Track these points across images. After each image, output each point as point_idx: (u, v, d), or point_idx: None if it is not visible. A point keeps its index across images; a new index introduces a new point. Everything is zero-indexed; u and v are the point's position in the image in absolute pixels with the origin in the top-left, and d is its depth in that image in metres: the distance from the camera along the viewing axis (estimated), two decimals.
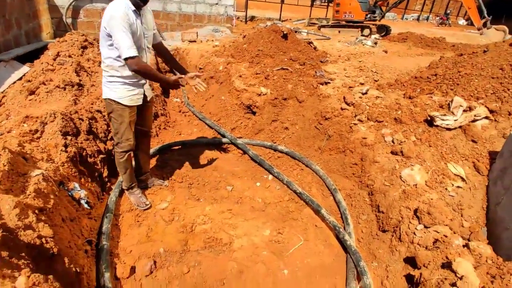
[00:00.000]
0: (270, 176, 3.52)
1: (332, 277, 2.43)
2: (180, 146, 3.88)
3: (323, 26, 11.80)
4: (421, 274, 2.11)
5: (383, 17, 11.65)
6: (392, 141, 3.04)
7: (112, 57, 2.26)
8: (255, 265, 2.46)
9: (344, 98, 3.59)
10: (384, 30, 10.93)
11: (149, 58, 2.48)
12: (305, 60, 4.71)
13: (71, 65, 3.64)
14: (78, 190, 2.28)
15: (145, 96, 2.58)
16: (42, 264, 1.62)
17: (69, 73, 3.51)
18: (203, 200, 3.10)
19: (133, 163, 2.91)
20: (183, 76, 2.55)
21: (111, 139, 3.07)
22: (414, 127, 3.06)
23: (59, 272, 1.70)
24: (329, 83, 4.17)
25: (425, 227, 2.41)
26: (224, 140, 3.99)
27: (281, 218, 2.99)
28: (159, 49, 2.68)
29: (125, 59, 2.11)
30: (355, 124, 3.37)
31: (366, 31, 10.71)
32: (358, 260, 2.38)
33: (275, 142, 3.92)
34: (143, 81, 2.54)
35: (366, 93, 3.69)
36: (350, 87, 3.92)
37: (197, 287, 2.23)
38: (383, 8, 11.59)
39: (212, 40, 7.78)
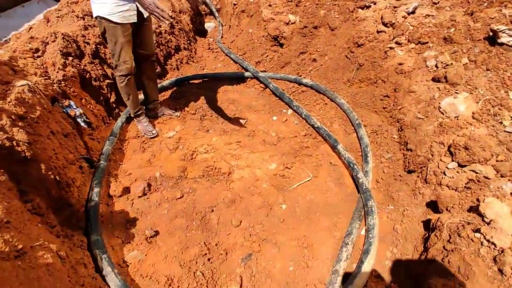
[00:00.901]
0: (290, 111, 3.18)
1: (334, 216, 2.14)
2: (200, 80, 3.70)
3: None
4: (438, 218, 1.70)
5: None
6: (436, 65, 2.43)
7: None
8: (251, 197, 2.27)
9: (381, 18, 2.96)
10: None
11: None
12: None
13: None
14: (74, 108, 2.27)
15: (140, 14, 2.37)
16: (13, 166, 1.63)
17: (90, 4, 3.45)
18: (213, 131, 2.94)
19: (139, 92, 2.82)
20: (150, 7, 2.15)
21: None
22: (468, 46, 2.39)
23: (33, 176, 1.72)
24: (370, 6, 3.48)
25: (460, 165, 1.92)
26: (246, 74, 3.69)
27: (293, 153, 2.70)
28: None
29: None
30: (391, 48, 2.78)
31: None
32: (367, 199, 2.04)
33: (300, 75, 3.50)
34: None
35: (413, 12, 2.98)
36: (395, 7, 3.21)
37: (185, 212, 2.14)
38: None
39: None
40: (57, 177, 1.88)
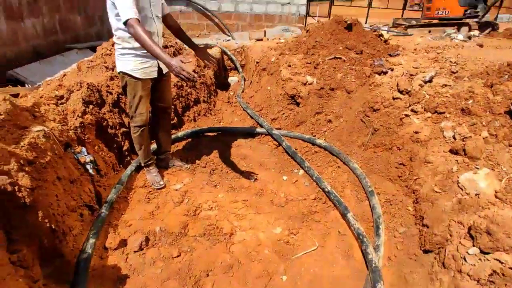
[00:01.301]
0: (301, 171, 3.11)
1: None
2: (214, 133, 3.76)
3: (411, 26, 10.54)
4: None
5: (487, 12, 9.79)
6: (453, 137, 2.34)
7: (121, 27, 2.21)
8: (250, 263, 2.12)
9: (397, 85, 2.97)
10: (488, 27, 9.16)
11: (159, 28, 2.38)
12: (364, 49, 4.14)
13: None
14: (85, 155, 2.31)
15: (160, 69, 2.51)
16: (10, 212, 1.62)
17: None
18: (220, 187, 2.89)
19: (151, 141, 2.88)
20: (189, 59, 2.32)
21: None
22: (488, 119, 2.30)
23: (29, 223, 1.69)
24: (387, 72, 3.54)
25: (482, 252, 1.72)
26: (260, 130, 3.72)
27: (301, 217, 2.57)
28: (168, 21, 2.58)
29: (125, 21, 1.96)
30: (406, 115, 2.73)
31: (464, 29, 9.14)
32: (376, 280, 1.84)
33: (314, 136, 3.48)
34: None
35: (430, 81, 2.98)
36: (411, 75, 3.23)
37: (179, 274, 2.01)
38: (488, 2, 9.73)
39: (279, 39, 7.62)
40: (53, 226, 1.84)
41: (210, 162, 3.20)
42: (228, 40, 7.96)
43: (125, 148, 2.93)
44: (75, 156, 2.28)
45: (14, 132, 1.89)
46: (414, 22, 11.71)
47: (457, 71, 3.68)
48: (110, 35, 5.96)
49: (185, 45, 3.09)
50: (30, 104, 2.17)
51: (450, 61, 4.00)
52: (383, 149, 2.84)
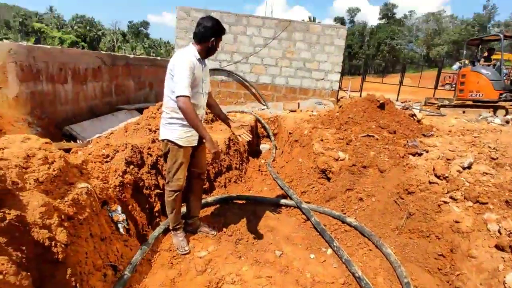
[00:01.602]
0: (330, 250, 2.96)
1: None
2: (243, 201, 3.77)
3: (444, 106, 10.62)
4: None
5: None
6: (499, 231, 2.17)
7: (174, 99, 2.46)
8: None
9: (433, 169, 2.91)
10: None
11: (204, 102, 2.63)
12: (397, 128, 4.18)
13: None
14: (119, 214, 2.39)
15: (200, 138, 2.68)
16: (44, 265, 1.66)
17: None
18: (245, 259, 2.79)
19: (182, 205, 2.93)
20: (219, 152, 2.46)
21: None
22: None
23: (56, 280, 1.71)
24: (422, 154, 3.50)
25: None
26: (289, 202, 3.69)
27: None
28: (208, 99, 2.81)
29: (178, 96, 2.23)
30: (445, 202, 2.61)
31: (501, 112, 9.04)
32: None
33: (345, 213, 3.37)
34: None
35: (469, 167, 2.90)
36: (448, 159, 3.17)
37: None
38: None
39: (312, 111, 7.94)
40: (78, 285, 1.85)
41: (237, 231, 3.15)
42: (263, 109, 8.41)
43: (156, 209, 3.00)
44: (110, 214, 2.36)
45: (62, 187, 2.03)
46: (447, 102, 11.81)
47: (497, 158, 3.56)
48: (157, 98, 6.52)
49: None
50: (79, 162, 2.36)
51: (489, 147, 3.91)
52: (419, 236, 2.67)
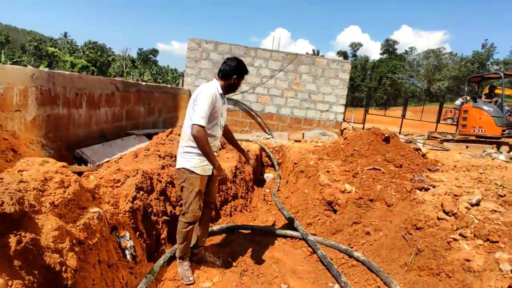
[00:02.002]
0: (337, 286, 2.89)
1: None
2: (249, 231, 3.74)
3: (447, 140, 10.71)
4: None
5: None
6: (511, 271, 2.14)
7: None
8: None
9: (441, 205, 2.90)
10: None
11: (221, 134, 2.73)
12: (403, 162, 4.22)
13: (178, 141, 4.28)
14: (127, 240, 2.39)
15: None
16: None
17: (173, 147, 4.13)
18: None
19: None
20: (226, 177, 2.66)
21: (181, 205, 3.23)
22: None
23: None
24: (429, 189, 3.51)
25: None
26: (295, 234, 3.65)
27: None
28: (224, 130, 2.91)
29: (193, 124, 2.33)
30: (455, 239, 2.59)
31: (504, 148, 9.08)
32: None
33: (352, 247, 3.33)
34: (215, 153, 2.73)
35: (477, 204, 2.90)
36: (455, 195, 3.17)
37: None
38: None
39: (317, 142, 8.02)
40: None
41: (242, 262, 3.11)
42: (267, 138, 8.51)
43: (163, 236, 2.98)
44: (118, 240, 2.36)
45: (75, 211, 2.05)
46: (450, 137, 11.92)
47: (504, 195, 3.56)
48: (165, 125, 6.64)
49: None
50: (92, 186, 2.39)
51: (496, 184, 3.91)
52: (429, 274, 2.63)
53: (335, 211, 3.83)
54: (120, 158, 3.99)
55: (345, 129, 10.53)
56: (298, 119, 9.15)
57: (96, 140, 4.48)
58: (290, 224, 3.94)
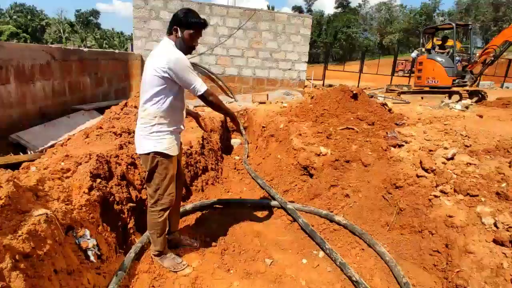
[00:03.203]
0: (321, 253, 2.83)
1: None
2: (223, 206, 3.52)
3: (403, 93, 11.07)
4: None
5: (475, 81, 10.38)
6: (495, 225, 2.16)
7: (163, 102, 2.13)
8: None
9: (420, 162, 2.87)
10: (477, 96, 9.64)
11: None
12: (375, 120, 4.15)
13: (135, 114, 3.79)
14: (88, 239, 2.04)
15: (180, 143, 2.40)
16: None
17: (130, 121, 3.65)
18: (234, 272, 2.57)
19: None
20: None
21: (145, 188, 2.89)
22: None
23: None
24: (402, 145, 3.49)
25: None
26: (273, 203, 3.50)
27: None
28: None
29: (203, 93, 2.11)
30: (436, 196, 2.58)
31: (455, 97, 9.58)
32: None
33: (332, 211, 3.27)
34: (182, 126, 2.38)
35: (452, 158, 2.90)
36: (430, 150, 3.17)
37: None
38: (475, 72, 10.34)
39: (282, 102, 7.81)
40: None
41: (221, 240, 2.92)
42: (231, 102, 8.12)
43: (130, 225, 2.66)
44: (77, 241, 2.01)
45: (13, 219, 1.64)
46: (405, 89, 12.35)
47: (470, 145, 3.65)
48: (117, 96, 5.94)
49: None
50: (33, 182, 1.96)
51: (461, 134, 4.01)
52: (411, 232, 2.63)
53: (311, 176, 3.72)
54: (68, 139, 3.44)
55: (306, 86, 10.39)
56: (261, 79, 8.78)
57: (36, 121, 3.84)
58: (266, 192, 3.78)
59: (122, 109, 3.93)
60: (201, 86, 2.10)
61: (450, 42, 11.16)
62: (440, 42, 11.10)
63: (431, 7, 50.41)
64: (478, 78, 10.64)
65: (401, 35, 50.23)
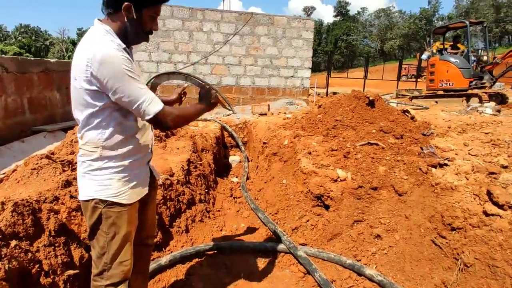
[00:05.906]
0: None
1: None
2: (213, 252, 2.68)
3: (415, 97, 10.26)
4: None
5: (494, 83, 9.54)
6: None
7: (105, 127, 1.34)
8: None
9: (488, 193, 2.02)
10: (499, 98, 8.78)
11: None
12: (403, 132, 3.33)
13: None
14: None
15: (151, 177, 1.59)
16: None
17: None
18: None
19: None
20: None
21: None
22: None
23: None
24: (446, 165, 2.65)
25: None
26: (279, 247, 2.65)
27: None
28: None
29: (154, 116, 1.32)
30: None
31: (474, 100, 8.73)
32: None
33: (359, 260, 2.41)
34: (149, 152, 1.58)
35: None
36: (490, 172, 2.32)
37: None
38: (494, 73, 9.50)
39: (285, 113, 7.01)
40: None
41: None
42: (228, 115, 7.34)
43: None
44: None
45: None
46: (416, 93, 11.55)
47: None
48: None
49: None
50: None
51: None
52: None
53: (327, 208, 2.87)
54: (14, 171, 2.65)
55: (309, 95, 9.64)
56: (261, 89, 8.01)
57: None
58: (269, 231, 2.93)
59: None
60: (151, 104, 1.32)
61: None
62: (444, 46, 10.34)
63: (430, 11, 50.09)
64: (497, 79, 9.80)
65: (402, 41, 49.84)
